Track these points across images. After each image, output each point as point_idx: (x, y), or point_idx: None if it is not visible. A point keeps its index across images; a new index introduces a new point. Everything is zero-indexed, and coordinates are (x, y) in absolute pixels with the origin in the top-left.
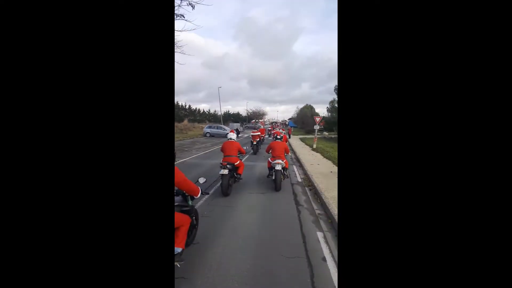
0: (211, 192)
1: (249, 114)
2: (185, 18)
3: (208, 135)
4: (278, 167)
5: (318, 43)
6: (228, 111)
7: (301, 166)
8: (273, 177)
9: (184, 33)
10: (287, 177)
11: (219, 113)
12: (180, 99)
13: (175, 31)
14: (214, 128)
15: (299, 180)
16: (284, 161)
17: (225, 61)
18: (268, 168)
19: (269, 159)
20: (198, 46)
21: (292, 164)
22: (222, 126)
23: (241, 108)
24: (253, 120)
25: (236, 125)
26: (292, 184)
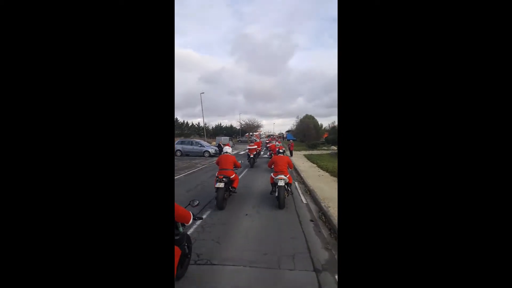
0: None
1: (242, 126)
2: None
3: (178, 153)
4: (281, 183)
5: (312, 59)
6: (220, 123)
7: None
8: (276, 194)
9: (181, 49)
10: (291, 193)
11: (209, 126)
12: (177, 114)
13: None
14: (187, 144)
15: None
16: (288, 176)
17: (222, 76)
18: (271, 184)
19: (272, 174)
20: (195, 61)
21: (317, 236)
22: (199, 141)
23: (236, 121)
24: (247, 134)
25: (225, 139)
26: None
